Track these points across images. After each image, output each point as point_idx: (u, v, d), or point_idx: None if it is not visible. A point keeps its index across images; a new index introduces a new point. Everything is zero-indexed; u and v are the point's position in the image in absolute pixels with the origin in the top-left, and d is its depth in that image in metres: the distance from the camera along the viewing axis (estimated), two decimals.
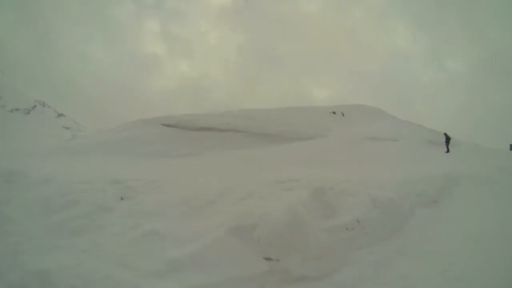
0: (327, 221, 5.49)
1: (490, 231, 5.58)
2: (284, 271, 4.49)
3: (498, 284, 3.96)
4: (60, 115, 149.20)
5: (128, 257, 4.60)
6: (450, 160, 14.03)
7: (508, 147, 28.98)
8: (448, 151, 21.07)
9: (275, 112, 31.20)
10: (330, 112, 34.47)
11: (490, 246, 5.00)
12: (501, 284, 3.95)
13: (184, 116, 31.20)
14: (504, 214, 6.35)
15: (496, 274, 4.16)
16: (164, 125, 29.56)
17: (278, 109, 33.83)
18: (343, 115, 34.01)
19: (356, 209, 5.81)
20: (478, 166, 10.98)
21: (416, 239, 5.70)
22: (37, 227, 5.63)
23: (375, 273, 4.75)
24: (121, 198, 6.70)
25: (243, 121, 29.14)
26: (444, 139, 22.30)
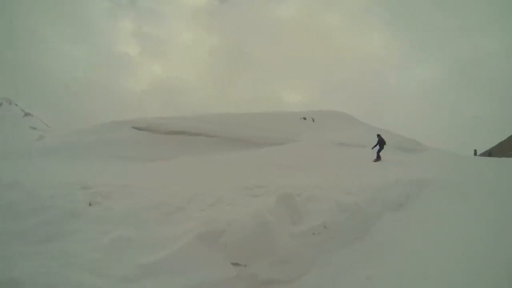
0: (294, 226, 5.61)
1: (454, 233, 5.90)
2: (251, 275, 4.56)
3: (461, 281, 4.18)
4: (27, 114, 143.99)
5: (98, 263, 4.56)
6: (417, 166, 14.38)
7: (473, 152, 30.05)
8: (377, 159, 18.96)
9: (247, 117, 31.24)
10: (301, 118, 34.72)
11: (453, 247, 5.30)
12: (464, 282, 4.16)
13: (156, 119, 30.95)
14: (468, 217, 6.71)
15: (458, 273, 4.40)
16: (135, 128, 29.26)
17: (249, 114, 33.76)
18: (313, 120, 34.28)
19: (322, 215, 5.98)
20: (444, 171, 11.41)
21: (382, 242, 5.88)
22: (3, 235, 5.45)
23: (341, 275, 4.87)
24: (90, 204, 6.62)
25: (215, 126, 29.13)
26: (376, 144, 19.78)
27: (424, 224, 6.58)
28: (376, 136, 20.85)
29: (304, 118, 34.74)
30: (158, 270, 4.32)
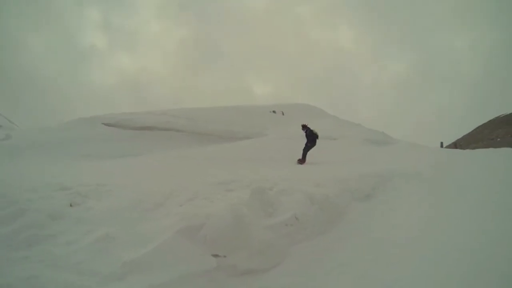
0: (268, 219, 5.92)
1: (418, 221, 6.19)
2: (231, 266, 4.86)
3: (427, 266, 4.41)
4: None
5: (85, 263, 4.71)
6: (385, 158, 14.65)
7: (439, 144, 30.97)
8: (302, 159, 15.04)
9: (215, 111, 31.24)
10: (270, 111, 34.82)
11: (417, 232, 5.60)
12: (430, 265, 4.39)
13: (124, 115, 30.66)
14: (432, 206, 7.03)
15: (420, 256, 4.71)
16: (104, 124, 28.93)
17: (218, 108, 33.70)
18: (283, 114, 34.35)
19: (294, 207, 6.28)
20: (410, 163, 11.76)
21: (351, 231, 6.21)
22: None
23: (315, 262, 5.17)
24: (70, 205, 6.65)
25: (183, 121, 29.05)
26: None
27: (391, 213, 6.87)
28: (301, 127, 16.73)
29: (274, 112, 34.76)
30: (142, 266, 4.53)
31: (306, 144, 15.71)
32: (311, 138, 15.83)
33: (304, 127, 16.57)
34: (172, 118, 29.41)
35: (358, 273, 4.66)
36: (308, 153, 15.35)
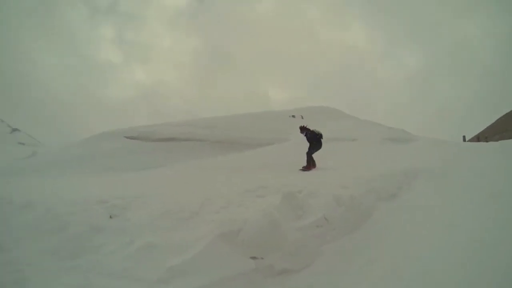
0: (299, 221, 6.20)
1: (444, 218, 6.26)
2: (268, 267, 5.15)
3: (455, 263, 4.47)
4: (14, 130, 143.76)
5: (131, 270, 5.01)
6: (407, 156, 14.50)
7: (462, 138, 30.43)
8: (308, 166, 13.55)
9: (234, 119, 31.50)
10: (290, 116, 34.86)
11: (444, 231, 5.67)
12: (458, 263, 4.44)
13: (146, 128, 31.19)
14: (458, 203, 7.06)
15: (447, 253, 4.78)
16: (127, 137, 29.47)
17: (237, 116, 34.03)
18: (302, 118, 34.24)
19: (323, 209, 6.54)
20: (434, 159, 11.78)
21: (378, 230, 6.38)
22: (33, 253, 5.72)
23: (345, 261, 5.39)
24: (110, 217, 6.96)
25: (203, 130, 29.40)
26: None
27: (417, 212, 6.90)
28: (299, 130, 15.22)
29: (293, 116, 34.78)
30: (186, 270, 4.81)
31: (309, 148, 14.25)
32: (314, 139, 14.35)
33: (303, 129, 14.96)
34: (192, 128, 29.80)
35: (387, 270, 4.81)
36: (326, 156, 14.78)
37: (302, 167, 13.65)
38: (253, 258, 5.18)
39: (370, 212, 6.99)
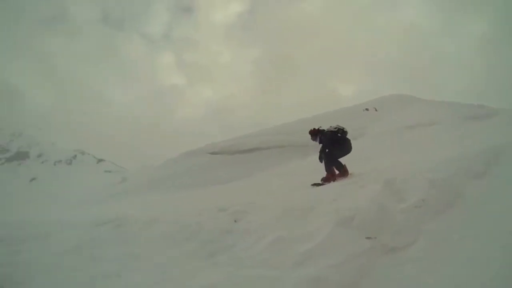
0: (400, 204, 6.99)
1: None
2: (382, 245, 5.98)
3: None
4: (100, 160, 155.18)
5: (269, 260, 5.96)
6: (490, 133, 14.32)
7: None
8: (329, 176, 10.90)
9: (309, 122, 32.05)
10: (364, 110, 34.79)
11: None
12: None
13: (226, 142, 32.68)
14: None
15: None
16: (209, 153, 31.06)
17: (310, 118, 34.70)
18: (376, 110, 34.30)
19: (419, 191, 7.22)
20: None
21: (471, 208, 6.72)
22: (174, 257, 6.80)
23: (445, 238, 5.94)
24: (235, 221, 7.99)
25: (282, 136, 30.23)
26: None
27: (508, 187, 7.03)
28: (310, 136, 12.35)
29: (367, 109, 34.77)
30: (316, 253, 5.78)
31: (326, 153, 11.14)
32: (334, 141, 11.06)
33: (314, 133, 12.11)
34: (271, 137, 30.76)
35: (482, 242, 5.30)
36: (407, 145, 13.96)
37: (321, 180, 11.14)
38: (368, 238, 6.05)
39: (461, 192, 7.30)
